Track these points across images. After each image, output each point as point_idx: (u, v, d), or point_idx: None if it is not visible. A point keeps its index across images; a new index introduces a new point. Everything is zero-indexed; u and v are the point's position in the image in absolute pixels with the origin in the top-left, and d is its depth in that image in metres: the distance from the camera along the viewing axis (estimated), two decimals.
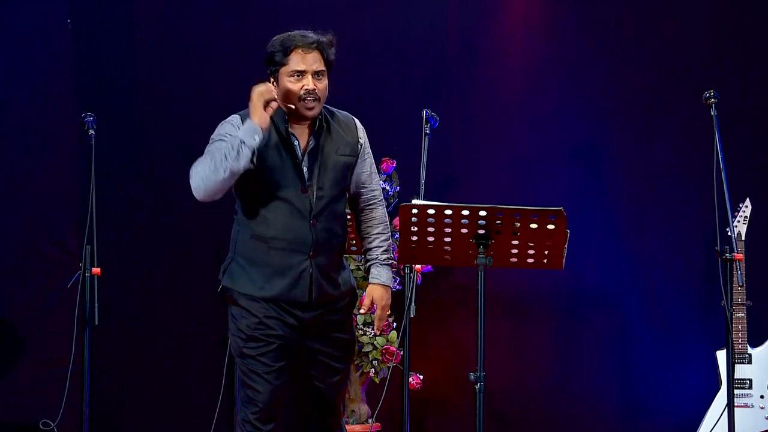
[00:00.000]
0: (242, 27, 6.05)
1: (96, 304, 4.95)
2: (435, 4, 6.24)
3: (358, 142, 4.10)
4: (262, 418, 3.98)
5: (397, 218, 4.30)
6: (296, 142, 3.99)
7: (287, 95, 3.95)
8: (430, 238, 4.02)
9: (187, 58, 6.01)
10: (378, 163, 5.77)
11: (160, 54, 6.03)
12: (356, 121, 4.14)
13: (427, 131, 4.88)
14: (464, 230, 3.98)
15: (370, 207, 4.14)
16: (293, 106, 3.95)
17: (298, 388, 4.13)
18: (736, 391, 5.32)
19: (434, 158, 5.02)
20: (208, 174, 3.82)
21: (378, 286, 4.10)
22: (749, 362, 5.56)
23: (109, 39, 6.00)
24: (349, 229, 4.21)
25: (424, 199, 4.67)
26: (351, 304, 4.13)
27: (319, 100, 3.96)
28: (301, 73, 3.94)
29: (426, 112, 4.90)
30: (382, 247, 4.12)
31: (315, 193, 3.96)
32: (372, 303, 4.10)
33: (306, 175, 3.97)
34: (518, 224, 3.95)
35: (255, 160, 3.87)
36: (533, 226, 3.95)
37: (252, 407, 4.00)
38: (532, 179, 6.09)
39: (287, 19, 5.84)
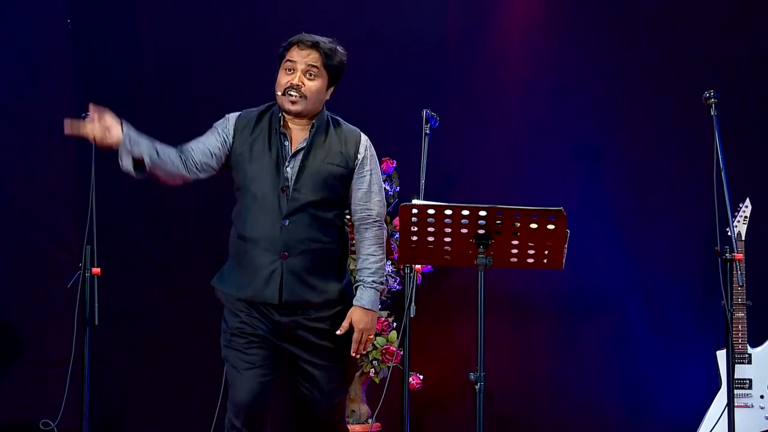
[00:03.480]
0: (242, 27, 6.06)
1: (96, 304, 4.95)
2: (435, 4, 6.24)
3: (356, 157, 4.06)
4: (240, 418, 3.98)
5: (397, 218, 4.29)
6: (286, 142, 3.99)
7: (277, 86, 3.99)
8: (430, 238, 4.02)
9: (188, 58, 6.01)
10: (378, 163, 5.76)
11: (160, 54, 6.04)
12: (362, 138, 4.11)
13: (427, 131, 4.87)
14: (464, 230, 3.98)
15: (364, 226, 4.09)
16: (279, 93, 3.96)
17: (290, 396, 4.13)
18: (736, 391, 5.32)
19: (434, 158, 5.01)
20: None
21: (359, 308, 4.03)
22: (749, 362, 5.56)
23: (109, 39, 6.00)
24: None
25: (424, 199, 4.66)
26: (342, 313, 4.06)
27: (305, 97, 3.96)
28: (292, 67, 3.96)
29: (426, 112, 4.89)
30: (370, 269, 4.05)
31: (291, 194, 3.95)
32: (350, 325, 4.02)
33: (287, 175, 3.96)
34: (518, 224, 3.95)
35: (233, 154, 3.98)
36: (533, 226, 3.95)
37: (232, 407, 4.01)
38: (532, 179, 6.09)
39: (288, 19, 5.87)
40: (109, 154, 5.68)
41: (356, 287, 4.07)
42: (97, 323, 4.97)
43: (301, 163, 3.97)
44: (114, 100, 5.91)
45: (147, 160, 3.82)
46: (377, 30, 6.20)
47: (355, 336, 4.02)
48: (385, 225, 4.18)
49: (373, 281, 4.05)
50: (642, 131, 6.13)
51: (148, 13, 6.06)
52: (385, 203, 4.22)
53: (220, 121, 4.06)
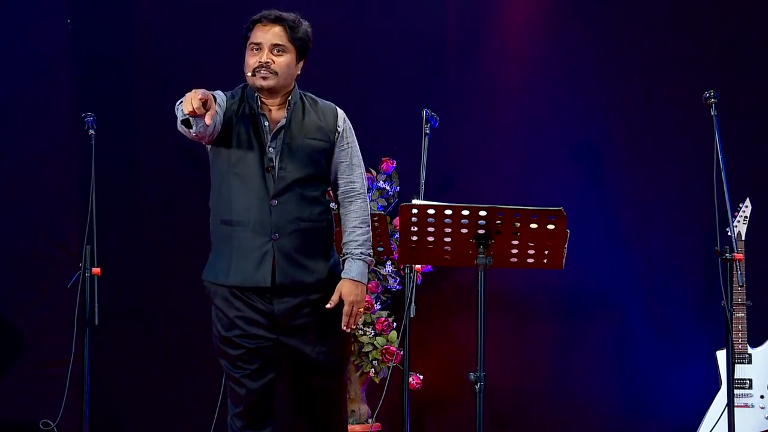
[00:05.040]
0: (241, 26, 6.04)
1: (96, 304, 4.95)
2: (435, 4, 6.24)
3: (336, 130, 4.03)
4: (242, 420, 3.97)
5: (397, 218, 4.29)
6: (266, 123, 3.97)
7: (245, 67, 3.96)
8: (430, 238, 4.02)
9: (187, 57, 6.01)
10: (378, 163, 5.77)
11: (159, 54, 6.04)
12: (339, 111, 4.09)
13: (427, 131, 4.88)
14: (464, 230, 3.98)
15: (349, 199, 4.05)
16: (249, 74, 3.94)
17: (291, 390, 4.10)
18: (736, 391, 5.32)
19: (434, 158, 5.01)
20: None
21: (348, 280, 3.96)
22: (749, 362, 5.56)
23: (109, 39, 6.01)
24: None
25: (424, 199, 4.67)
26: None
27: (276, 74, 3.93)
28: (258, 47, 3.95)
29: (426, 112, 4.90)
30: (357, 241, 4.01)
31: (277, 172, 3.92)
32: (340, 298, 3.95)
33: (271, 155, 3.93)
34: (518, 224, 3.95)
35: (219, 128, 3.89)
36: (533, 226, 3.95)
37: (233, 407, 4.01)
38: (532, 179, 6.09)
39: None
40: (108, 154, 5.70)
41: (344, 260, 4.02)
42: (97, 323, 4.97)
43: (283, 141, 3.95)
44: (114, 100, 5.96)
45: (200, 130, 3.81)
46: (377, 30, 6.20)
47: (346, 309, 3.96)
48: (368, 198, 4.14)
49: (361, 253, 4.00)
50: (642, 131, 6.13)
51: (148, 14, 6.06)
52: (365, 176, 4.18)
53: (216, 93, 3.96)
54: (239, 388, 3.96)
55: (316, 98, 4.11)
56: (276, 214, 3.90)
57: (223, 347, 3.98)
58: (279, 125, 3.97)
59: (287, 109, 3.99)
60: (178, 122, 3.84)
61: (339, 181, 4.06)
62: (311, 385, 4.05)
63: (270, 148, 3.94)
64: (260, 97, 3.99)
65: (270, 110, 4.00)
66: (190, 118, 3.75)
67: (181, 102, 3.78)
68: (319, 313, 3.97)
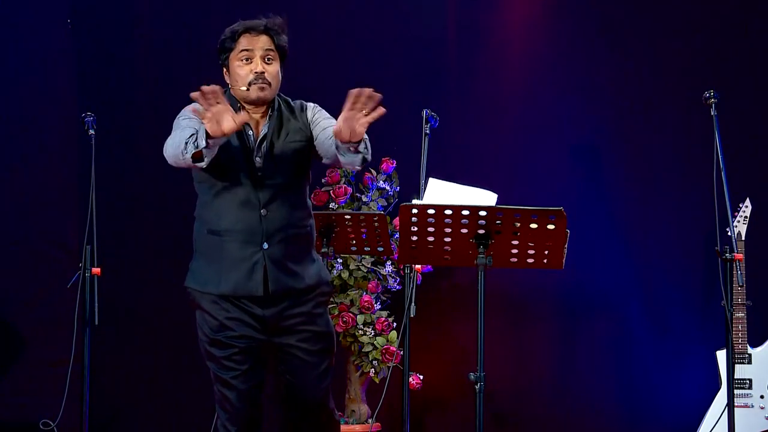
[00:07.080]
0: None
1: (96, 304, 4.95)
2: (435, 4, 6.24)
3: (308, 124, 3.99)
4: (237, 425, 3.96)
5: (397, 218, 4.29)
6: (250, 132, 3.94)
7: (237, 80, 3.90)
8: (430, 238, 4.02)
9: (188, 57, 6.01)
10: (378, 163, 5.77)
11: (160, 53, 6.04)
12: (305, 104, 4.04)
13: (427, 131, 4.88)
14: (464, 230, 3.98)
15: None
16: (244, 89, 3.88)
17: (280, 390, 4.09)
18: (736, 391, 5.31)
19: (434, 158, 5.01)
20: (175, 153, 3.76)
21: None
22: (749, 362, 5.56)
23: (109, 39, 6.01)
24: None
25: (424, 200, 4.67)
26: (323, 295, 4.02)
27: (270, 84, 3.90)
28: (249, 56, 3.90)
29: (426, 112, 4.90)
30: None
31: (264, 181, 3.89)
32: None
33: (258, 164, 3.90)
34: (518, 224, 3.95)
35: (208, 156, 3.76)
36: (533, 226, 3.95)
37: (223, 413, 3.98)
38: (532, 179, 6.09)
39: (288, 19, 5.85)
40: (108, 154, 5.70)
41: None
42: (97, 323, 4.97)
43: (267, 149, 3.92)
44: (114, 100, 5.96)
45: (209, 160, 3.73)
46: (377, 30, 6.20)
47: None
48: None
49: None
50: (642, 131, 6.13)
51: (148, 13, 6.06)
52: None
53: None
54: (228, 391, 3.94)
55: (288, 99, 4.06)
56: (266, 223, 3.88)
57: (211, 349, 3.95)
58: (263, 134, 3.94)
59: (269, 116, 3.97)
60: (184, 153, 3.69)
61: (327, 147, 3.89)
62: (302, 385, 4.04)
63: (257, 158, 3.91)
64: (243, 108, 3.94)
65: (252, 119, 3.96)
66: (204, 150, 3.66)
67: (193, 136, 3.67)
68: (308, 315, 3.97)
